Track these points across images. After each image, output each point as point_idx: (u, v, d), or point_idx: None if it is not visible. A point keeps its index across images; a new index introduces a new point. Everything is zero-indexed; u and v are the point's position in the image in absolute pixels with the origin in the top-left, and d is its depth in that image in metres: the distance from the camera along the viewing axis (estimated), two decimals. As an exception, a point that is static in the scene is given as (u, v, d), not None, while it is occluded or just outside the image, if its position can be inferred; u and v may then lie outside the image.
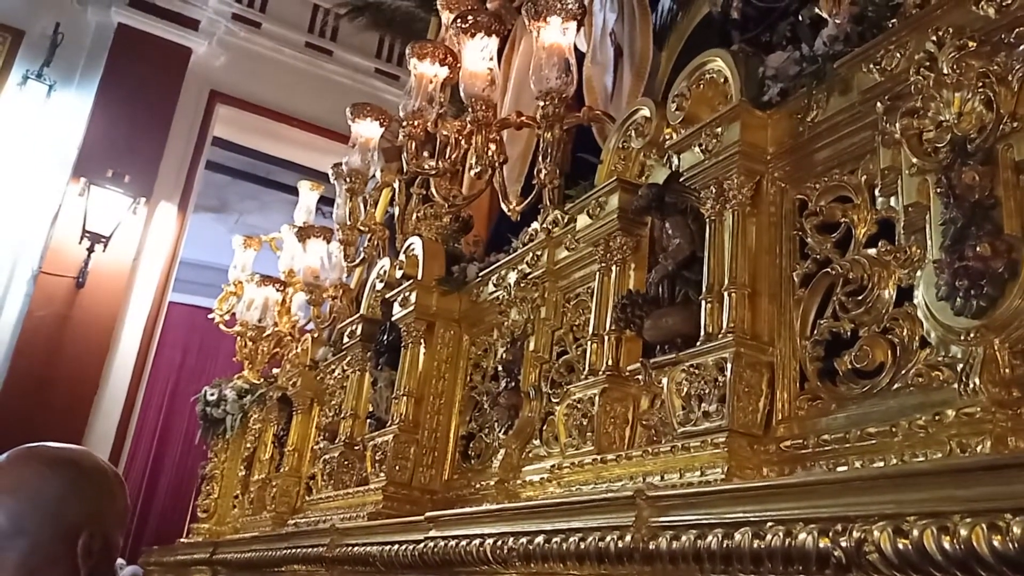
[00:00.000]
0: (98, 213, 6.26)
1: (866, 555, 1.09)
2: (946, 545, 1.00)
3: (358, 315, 3.41)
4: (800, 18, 2.12)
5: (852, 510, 1.11)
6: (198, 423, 5.32)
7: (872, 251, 1.60)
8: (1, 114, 6.48)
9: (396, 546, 2.26)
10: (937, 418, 1.32)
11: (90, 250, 6.24)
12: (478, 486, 2.55)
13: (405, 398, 2.86)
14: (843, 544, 1.12)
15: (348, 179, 3.59)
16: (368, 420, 3.16)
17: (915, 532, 1.03)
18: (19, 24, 6.70)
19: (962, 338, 1.32)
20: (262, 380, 4.93)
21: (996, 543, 0.96)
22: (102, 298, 6.30)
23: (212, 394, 5.07)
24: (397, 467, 2.76)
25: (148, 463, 9.68)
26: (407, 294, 2.98)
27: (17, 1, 6.69)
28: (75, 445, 1.54)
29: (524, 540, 1.73)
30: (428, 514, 2.17)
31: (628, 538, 1.46)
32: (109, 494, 1.44)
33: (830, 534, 1.12)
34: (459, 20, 2.86)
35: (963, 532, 0.98)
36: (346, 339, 3.51)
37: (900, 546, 1.05)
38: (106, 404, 6.31)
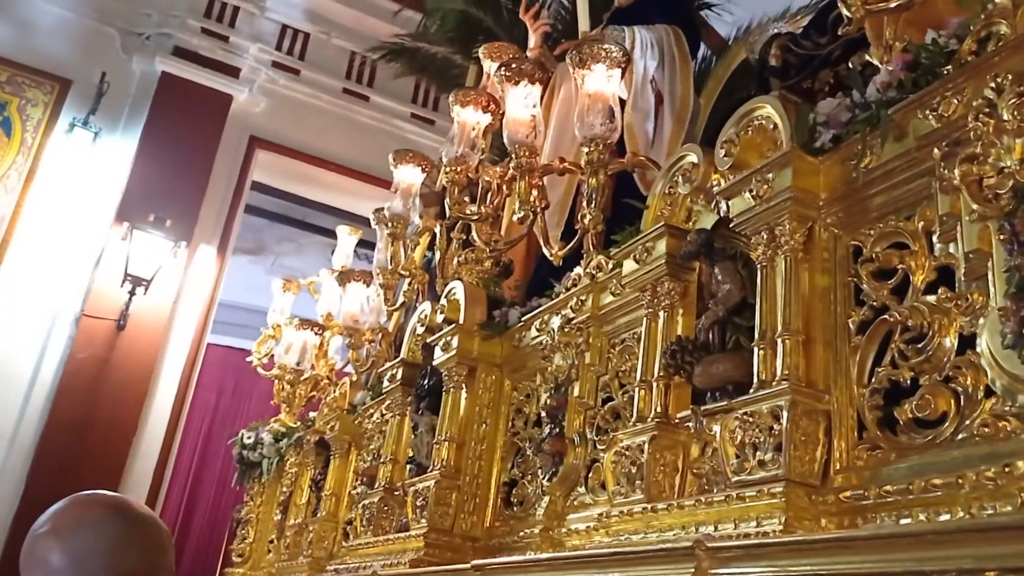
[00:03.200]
0: (140, 257, 6.36)
1: (942, 612, 1.06)
2: (1028, 602, 0.97)
3: (398, 359, 3.42)
4: (850, 65, 2.12)
5: (927, 564, 1.08)
6: (233, 465, 5.33)
7: (931, 298, 1.57)
8: (49, 161, 6.63)
9: (440, 594, 2.23)
10: (1007, 470, 1.28)
11: (131, 293, 6.33)
12: (522, 534, 2.52)
13: (447, 443, 2.85)
14: (917, 600, 1.09)
15: (390, 224, 3.62)
16: (408, 465, 3.14)
17: (995, 588, 1.00)
18: (67, 74, 6.88)
19: (1031, 387, 1.30)
20: (299, 423, 4.94)
21: (1083, 601, 0.93)
22: (142, 340, 6.37)
23: (249, 437, 5.08)
24: (439, 513, 2.73)
25: (182, 504, 9.69)
26: (449, 339, 2.98)
27: (65, 52, 6.88)
28: (125, 496, 1.57)
29: (576, 590, 1.70)
30: (475, 562, 2.15)
31: (686, 590, 1.44)
32: (160, 546, 1.45)
33: (904, 589, 1.09)
34: (503, 68, 2.89)
35: (1048, 589, 0.95)
36: (386, 383, 3.51)
37: (979, 603, 1.02)
38: (144, 445, 6.34)
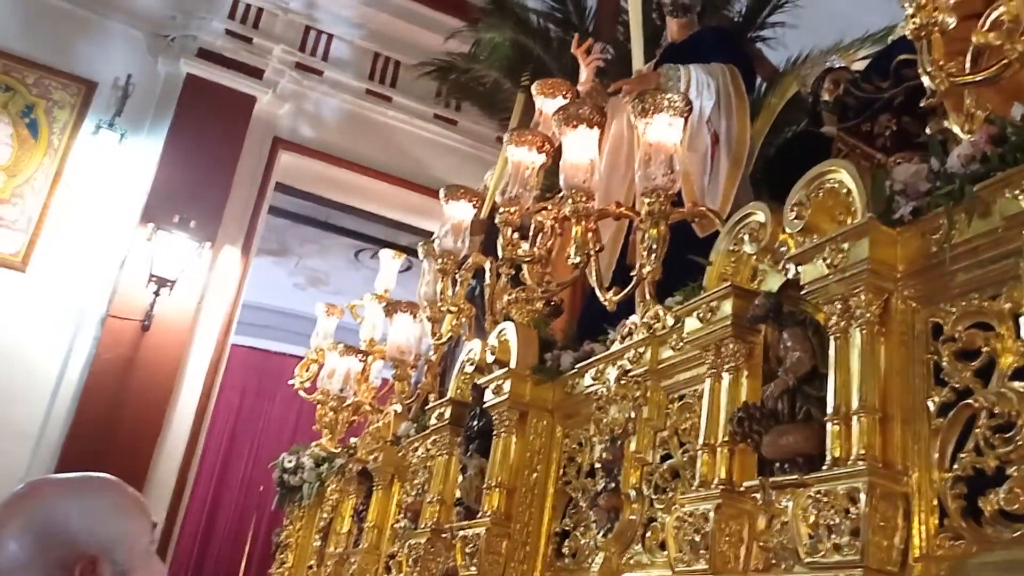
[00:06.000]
0: (164, 257, 6.39)
1: None
2: None
3: (447, 399, 3.40)
4: (921, 134, 2.07)
5: None
6: (257, 467, 5.30)
7: (1019, 385, 1.52)
8: (75, 163, 6.70)
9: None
10: (1106, 579, 1.24)
11: (156, 294, 6.36)
12: (575, 589, 2.49)
13: (497, 490, 2.83)
14: None
15: (440, 260, 3.61)
16: (456, 508, 3.12)
17: None
18: (93, 76, 6.96)
19: None
20: (340, 448, 4.94)
21: None
22: (167, 341, 6.41)
23: (290, 461, 5.09)
24: (489, 562, 2.71)
25: (207, 504, 9.77)
26: (501, 382, 2.96)
27: (91, 54, 6.97)
28: (92, 473, 1.47)
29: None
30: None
31: None
32: (112, 522, 1.38)
33: None
34: (560, 111, 2.88)
35: None
36: (434, 421, 3.49)
37: None
38: (169, 445, 6.36)
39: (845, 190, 1.92)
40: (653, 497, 2.36)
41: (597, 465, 2.59)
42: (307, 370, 5.43)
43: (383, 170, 7.63)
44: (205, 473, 9.19)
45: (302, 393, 5.46)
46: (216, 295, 6.78)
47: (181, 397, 6.49)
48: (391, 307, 4.31)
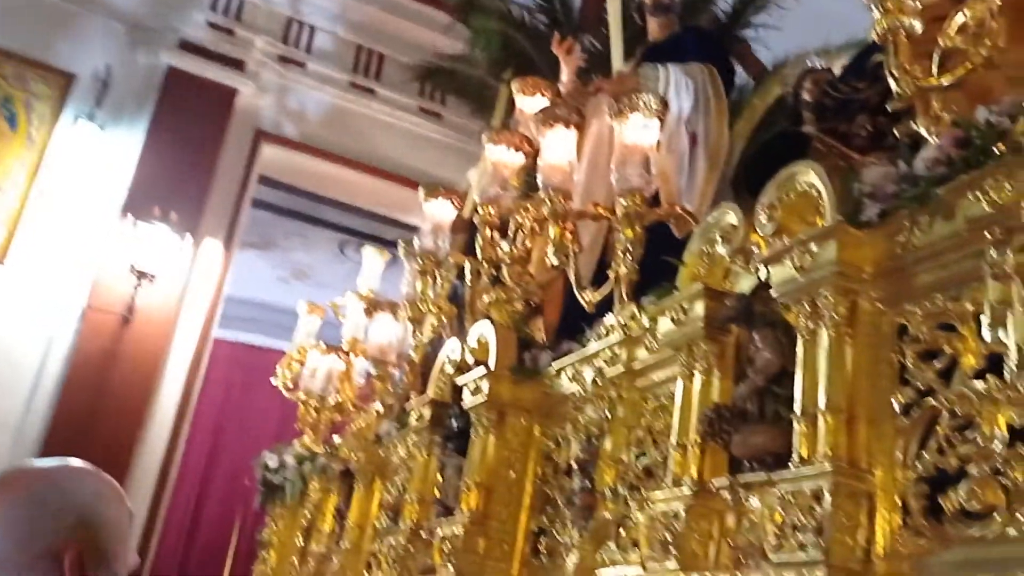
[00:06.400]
0: (145, 250, 6.35)
1: None
2: None
3: (428, 399, 3.41)
4: (896, 135, 2.09)
5: None
6: (241, 461, 5.25)
7: (980, 385, 1.54)
8: (53, 155, 6.63)
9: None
10: (1061, 577, 1.26)
11: (137, 287, 6.32)
12: (551, 587, 2.51)
13: (475, 489, 2.84)
14: None
15: (420, 260, 3.61)
16: (435, 506, 3.13)
17: None
18: (72, 68, 6.88)
19: (1086, 492, 1.27)
20: (323, 445, 4.93)
21: None
22: (148, 334, 6.37)
23: (273, 460, 5.09)
24: (467, 561, 2.72)
25: (191, 498, 9.71)
26: (479, 383, 2.97)
27: (70, 46, 6.91)
28: (70, 460, 1.43)
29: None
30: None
31: None
32: (96, 509, 1.35)
33: None
34: (540, 113, 2.89)
35: None
36: (414, 420, 3.50)
37: None
38: (151, 438, 6.32)
39: (815, 192, 1.94)
40: (627, 495, 2.37)
41: (574, 464, 2.61)
42: (289, 368, 5.41)
43: (367, 163, 7.57)
44: (190, 466, 9.12)
45: (285, 392, 5.44)
46: (198, 288, 6.72)
47: (163, 390, 6.44)
48: (372, 307, 4.31)
